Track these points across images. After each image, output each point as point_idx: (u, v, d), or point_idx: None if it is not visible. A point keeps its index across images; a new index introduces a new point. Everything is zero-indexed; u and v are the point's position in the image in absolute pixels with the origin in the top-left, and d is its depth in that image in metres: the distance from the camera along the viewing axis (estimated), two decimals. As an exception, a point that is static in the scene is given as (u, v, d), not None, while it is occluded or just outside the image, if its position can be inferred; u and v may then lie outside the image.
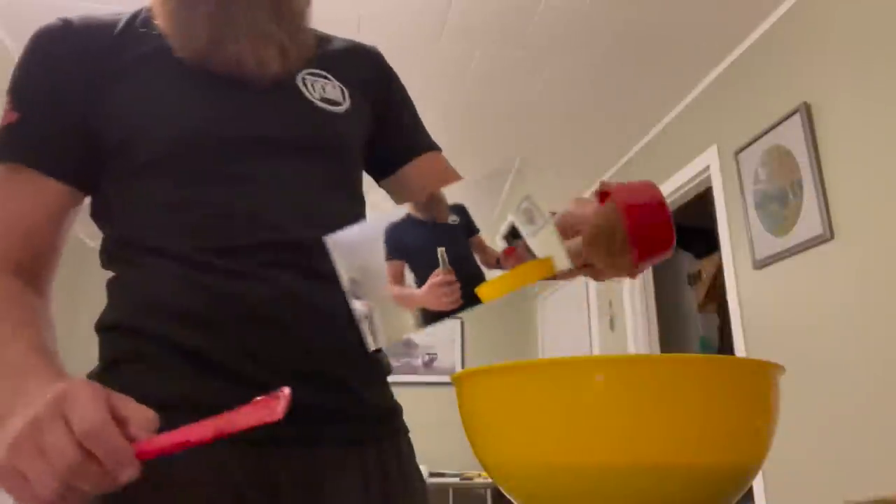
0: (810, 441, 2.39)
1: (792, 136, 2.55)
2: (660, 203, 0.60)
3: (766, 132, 2.71)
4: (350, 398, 0.71)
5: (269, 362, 0.66)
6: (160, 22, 0.75)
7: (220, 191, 0.70)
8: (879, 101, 2.19)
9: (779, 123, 2.63)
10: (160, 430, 0.65)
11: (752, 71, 2.87)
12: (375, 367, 0.77)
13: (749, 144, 2.81)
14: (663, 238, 0.60)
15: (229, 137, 0.72)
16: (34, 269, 0.70)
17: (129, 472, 0.45)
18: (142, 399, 0.65)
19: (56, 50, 0.73)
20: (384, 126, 0.88)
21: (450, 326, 6.02)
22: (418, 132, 0.93)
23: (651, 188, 0.61)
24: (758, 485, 2.64)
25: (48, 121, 0.71)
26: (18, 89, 0.72)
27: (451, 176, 0.92)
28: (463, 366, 5.97)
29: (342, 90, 0.82)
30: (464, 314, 6.02)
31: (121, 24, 0.76)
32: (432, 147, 0.93)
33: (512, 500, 0.47)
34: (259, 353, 0.66)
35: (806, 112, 2.49)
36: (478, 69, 3.14)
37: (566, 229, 0.65)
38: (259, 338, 0.67)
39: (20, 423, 0.45)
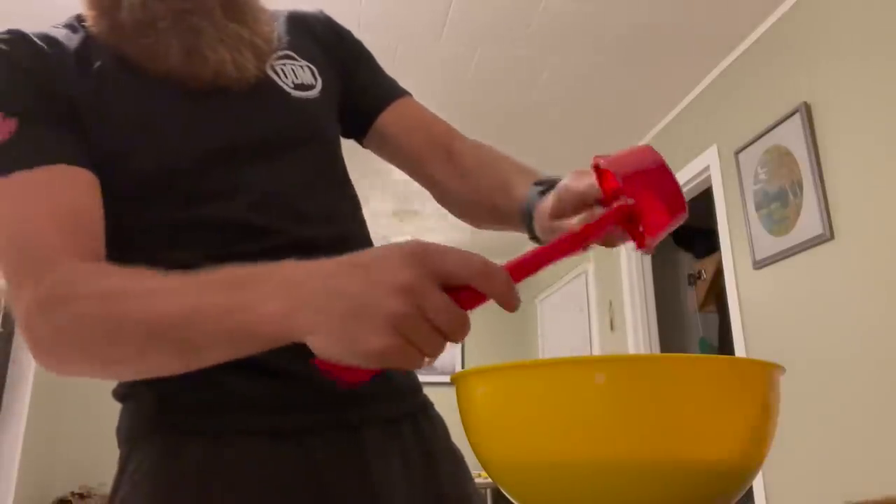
0: (810, 441, 2.39)
1: (792, 136, 2.55)
2: (661, 166, 0.54)
3: (766, 132, 2.71)
4: (380, 379, 0.72)
5: (302, 354, 0.66)
6: (118, 43, 0.70)
7: (211, 206, 0.69)
8: (879, 101, 2.19)
9: (779, 123, 2.63)
10: (215, 430, 0.65)
11: (752, 71, 2.87)
12: None
13: (749, 144, 2.81)
14: (674, 203, 0.54)
15: (213, 150, 0.70)
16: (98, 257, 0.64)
17: (518, 300, 0.46)
18: (195, 403, 0.66)
19: (25, 57, 0.67)
20: (347, 87, 0.86)
21: (450, 326, 6.02)
22: (381, 83, 0.90)
23: (650, 152, 0.55)
24: (758, 485, 2.64)
25: (48, 119, 0.66)
26: (1, 97, 0.66)
27: (429, 117, 0.89)
28: (463, 366, 5.96)
29: (311, 70, 0.80)
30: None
31: (75, 43, 0.70)
32: (400, 94, 0.89)
33: (512, 499, 0.47)
34: (292, 347, 0.66)
35: (806, 112, 2.48)
36: (478, 69, 3.14)
37: (565, 205, 0.64)
38: None
39: (387, 298, 0.44)
